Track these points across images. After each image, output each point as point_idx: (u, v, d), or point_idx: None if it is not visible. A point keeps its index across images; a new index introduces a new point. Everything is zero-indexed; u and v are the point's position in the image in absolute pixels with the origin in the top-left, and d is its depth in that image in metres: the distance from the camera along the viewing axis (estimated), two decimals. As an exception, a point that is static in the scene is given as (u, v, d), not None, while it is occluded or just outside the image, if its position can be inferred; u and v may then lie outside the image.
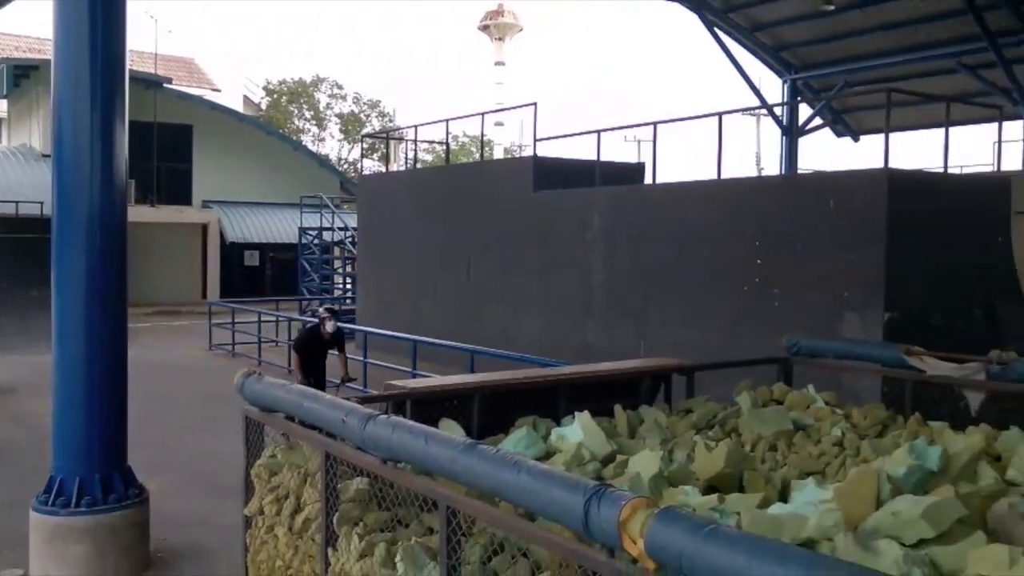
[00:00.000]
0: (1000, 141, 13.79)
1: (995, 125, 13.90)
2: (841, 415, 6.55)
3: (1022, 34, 23.67)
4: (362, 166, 29.90)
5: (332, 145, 53.96)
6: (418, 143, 23.36)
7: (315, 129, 53.83)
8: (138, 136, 28.27)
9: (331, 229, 26.04)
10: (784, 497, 4.96)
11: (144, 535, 6.83)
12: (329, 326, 10.94)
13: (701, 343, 11.52)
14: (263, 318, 18.21)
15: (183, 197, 31.32)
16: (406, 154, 27.48)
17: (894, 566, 3.61)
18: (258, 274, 32.02)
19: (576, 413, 6.22)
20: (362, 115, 53.95)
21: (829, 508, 4.31)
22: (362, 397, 6.17)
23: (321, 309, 11.59)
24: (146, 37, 33.98)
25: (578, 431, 6.06)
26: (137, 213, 22.62)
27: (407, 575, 4.16)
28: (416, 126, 22.06)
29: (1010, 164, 21.14)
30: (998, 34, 23.57)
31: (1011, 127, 23.72)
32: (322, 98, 53.69)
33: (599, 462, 5.80)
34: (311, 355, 11.10)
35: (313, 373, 11.04)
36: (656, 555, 3.00)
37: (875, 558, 3.72)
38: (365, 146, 38.48)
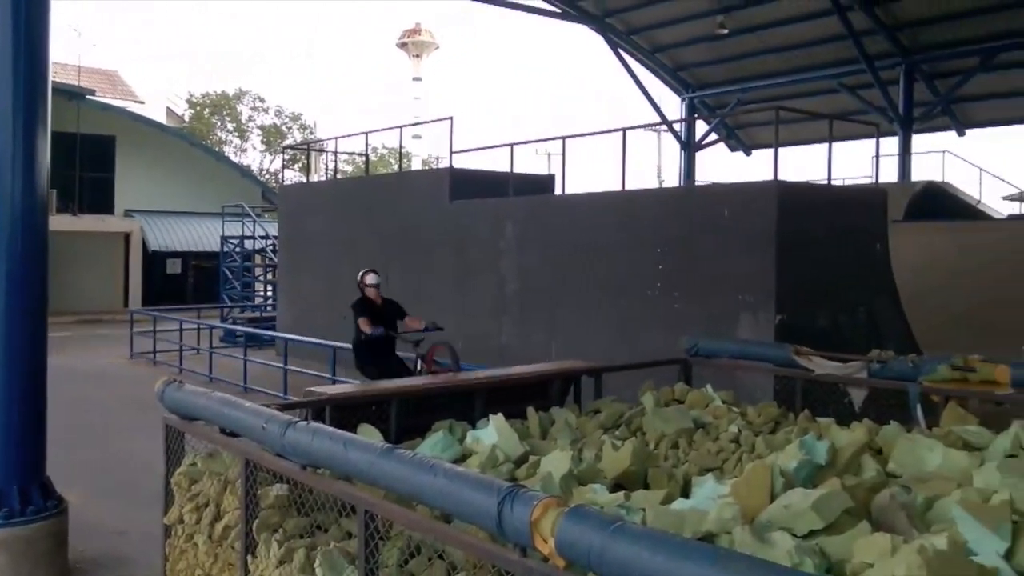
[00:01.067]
0: (877, 156, 14.19)
1: (873, 141, 14.29)
2: (737, 413, 6.63)
3: (896, 58, 24.57)
4: (283, 176, 29.40)
5: (254, 156, 53.03)
6: (338, 154, 23.03)
7: (238, 140, 52.80)
8: (61, 146, 27.27)
9: (252, 238, 25.49)
10: (686, 493, 4.99)
11: (62, 546, 6.51)
12: (370, 279, 9.53)
13: (608, 345, 11.59)
14: (184, 326, 17.69)
15: (105, 206, 30.31)
16: (326, 165, 27.11)
17: (787, 556, 3.64)
18: (180, 282, 31.18)
19: (490, 416, 6.17)
20: (284, 127, 53.11)
21: (727, 502, 4.34)
22: (282, 404, 6.01)
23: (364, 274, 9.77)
24: (70, 49, 32.94)
25: (493, 433, 6.02)
26: (59, 222, 21.78)
27: (326, 580, 4.07)
28: (336, 138, 21.78)
29: (886, 177, 21.88)
30: (875, 57, 24.42)
31: (887, 143, 24.54)
32: (244, 110, 52.74)
33: (513, 463, 5.77)
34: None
35: (381, 362, 9.47)
36: (566, 553, 2.99)
37: (770, 549, 3.75)
38: (286, 157, 37.86)
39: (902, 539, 3.61)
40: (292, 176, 43.46)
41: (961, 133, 26.63)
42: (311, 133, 52.16)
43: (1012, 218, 22.99)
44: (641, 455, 5.55)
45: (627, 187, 13.14)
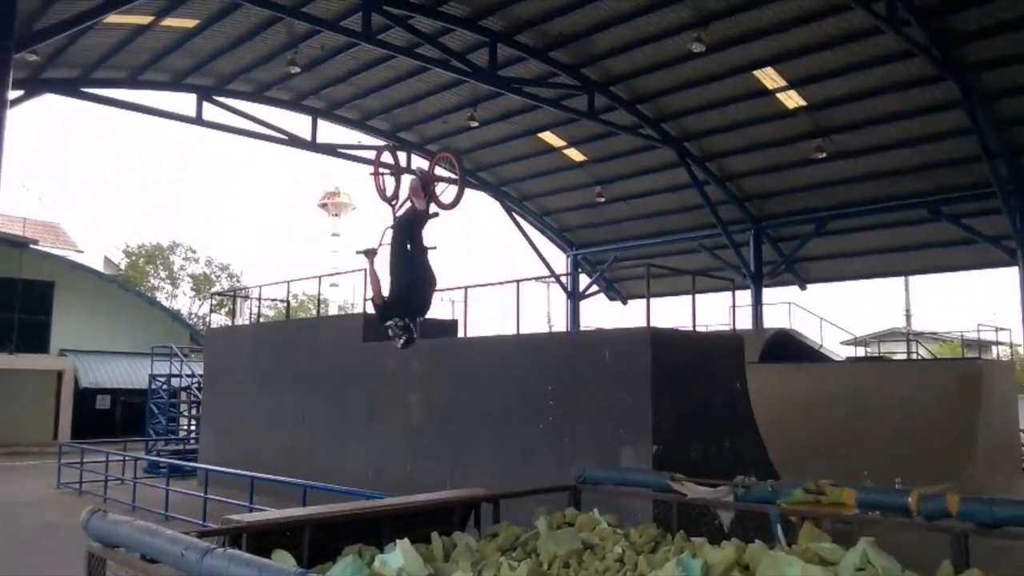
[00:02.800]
0: (734, 306, 14.79)
1: (729, 293, 14.91)
2: (621, 534, 6.55)
3: (747, 224, 26.04)
4: (211, 320, 28.68)
5: (184, 302, 51.62)
6: (262, 300, 22.74)
7: (169, 287, 51.52)
8: (2, 290, 26.26)
9: (179, 376, 24.62)
10: (576, 611, 4.86)
11: None
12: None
13: (506, 473, 11.40)
14: (111, 457, 16.67)
15: (41, 346, 28.98)
16: (251, 310, 26.65)
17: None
18: (109, 416, 29.60)
19: (397, 540, 5.96)
20: (212, 275, 52.17)
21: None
22: (200, 531, 5.66)
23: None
24: (16, 204, 32.10)
25: (399, 557, 5.79)
26: (-4, 360, 20.68)
27: None
28: (260, 286, 21.54)
29: (742, 325, 22.74)
30: (729, 223, 25.84)
31: (742, 295, 25.66)
32: (177, 260, 51.72)
33: (417, 586, 5.54)
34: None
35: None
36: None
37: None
38: (214, 303, 37.09)
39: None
40: (219, 320, 42.43)
41: (803, 287, 28.00)
42: (238, 281, 51.38)
43: (850, 360, 24.02)
44: (536, 575, 5.41)
45: (521, 331, 13.29)
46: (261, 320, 22.98)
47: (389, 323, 6.75)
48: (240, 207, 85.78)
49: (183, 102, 22.07)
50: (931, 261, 25.56)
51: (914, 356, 25.77)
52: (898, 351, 28.32)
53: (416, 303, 6.96)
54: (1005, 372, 20.51)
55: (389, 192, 7.41)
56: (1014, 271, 21.65)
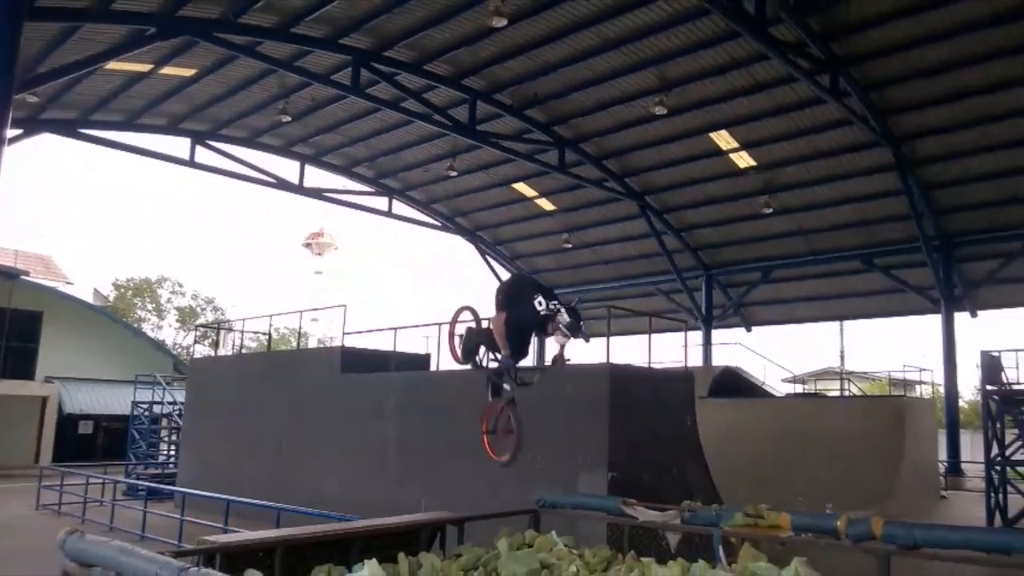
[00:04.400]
0: (686, 346, 14.90)
1: (682, 334, 15.10)
2: (577, 555, 6.60)
3: (699, 270, 26.46)
4: (194, 350, 28.28)
5: (169, 332, 50.77)
6: (245, 333, 22.52)
7: (155, 318, 50.73)
8: (-7, 319, 25.73)
9: (161, 403, 24.16)
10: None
11: None
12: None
13: (472, 498, 11.35)
14: (90, 480, 16.29)
15: (28, 373, 28.32)
16: (234, 341, 26.37)
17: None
18: (90, 441, 28.87)
19: (365, 561, 5.94)
20: (198, 308, 51.52)
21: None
22: (175, 551, 5.62)
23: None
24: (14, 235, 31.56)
25: None
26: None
27: None
28: (243, 319, 21.39)
29: (693, 362, 22.95)
30: (683, 270, 26.24)
31: (693, 336, 25.95)
32: (164, 293, 51.06)
33: (384, 601, 5.53)
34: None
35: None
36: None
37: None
38: (198, 334, 36.61)
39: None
40: (203, 351, 41.86)
41: (749, 329, 28.38)
42: (223, 314, 50.78)
43: (789, 396, 24.34)
44: (496, 591, 5.43)
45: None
46: (243, 351, 22.71)
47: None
48: (227, 243, 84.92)
49: (178, 145, 22.08)
50: (864, 307, 26.11)
51: (846, 393, 26.13)
52: (832, 388, 28.69)
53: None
54: (926, 409, 20.95)
55: (463, 352, 6.45)
56: (937, 318, 22.25)
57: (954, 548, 5.91)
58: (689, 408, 12.49)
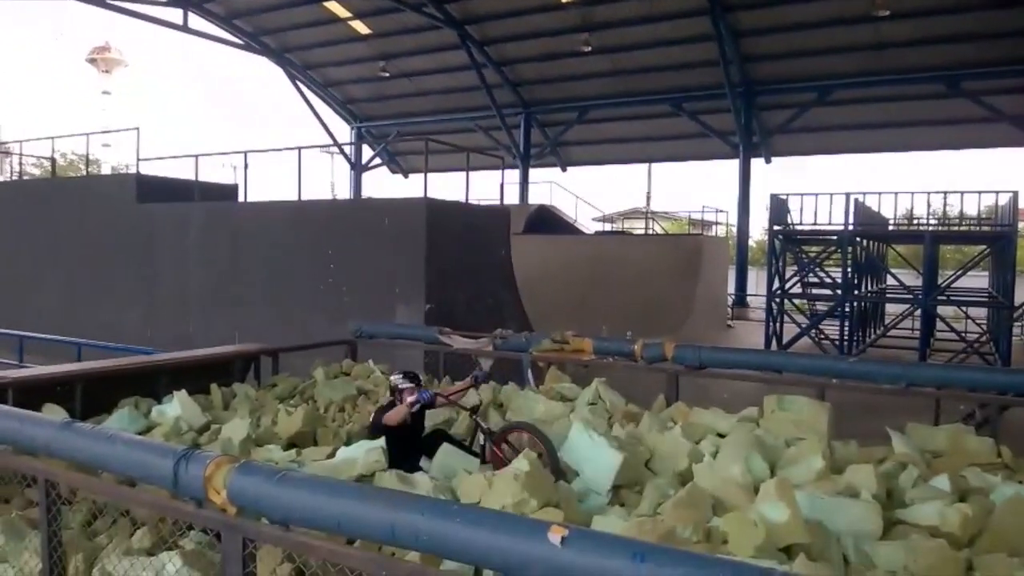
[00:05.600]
0: (503, 183, 15.08)
1: (500, 172, 15.16)
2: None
3: (519, 108, 26.38)
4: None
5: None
6: (24, 156, 19.95)
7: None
8: None
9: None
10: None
11: None
12: (412, 398, 4.76)
13: (285, 333, 11.17)
14: None
15: None
16: (11, 167, 23.38)
17: (426, 493, 3.77)
18: None
19: (175, 392, 5.74)
20: (-35, 129, 44.99)
21: (373, 450, 4.41)
22: (-40, 389, 5.12)
23: (395, 377, 5.14)
24: None
25: (176, 407, 5.60)
26: None
27: (7, 546, 3.58)
28: (22, 141, 18.88)
29: (510, 200, 23.39)
30: (502, 106, 26.04)
31: (511, 174, 26.28)
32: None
33: (196, 431, 5.41)
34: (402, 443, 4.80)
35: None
36: (237, 501, 2.88)
37: (411, 487, 3.86)
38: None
39: (493, 474, 3.85)
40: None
41: (564, 169, 29.12)
42: (-5, 136, 44.77)
43: (597, 234, 25.62)
44: (311, 418, 5.46)
45: (304, 198, 12.81)
46: (25, 178, 20.27)
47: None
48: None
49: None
50: (671, 151, 27.42)
51: (651, 232, 27.94)
52: (638, 227, 30.53)
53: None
54: (720, 247, 22.97)
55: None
56: (735, 163, 23.86)
57: (734, 368, 6.62)
58: (504, 242, 12.78)
